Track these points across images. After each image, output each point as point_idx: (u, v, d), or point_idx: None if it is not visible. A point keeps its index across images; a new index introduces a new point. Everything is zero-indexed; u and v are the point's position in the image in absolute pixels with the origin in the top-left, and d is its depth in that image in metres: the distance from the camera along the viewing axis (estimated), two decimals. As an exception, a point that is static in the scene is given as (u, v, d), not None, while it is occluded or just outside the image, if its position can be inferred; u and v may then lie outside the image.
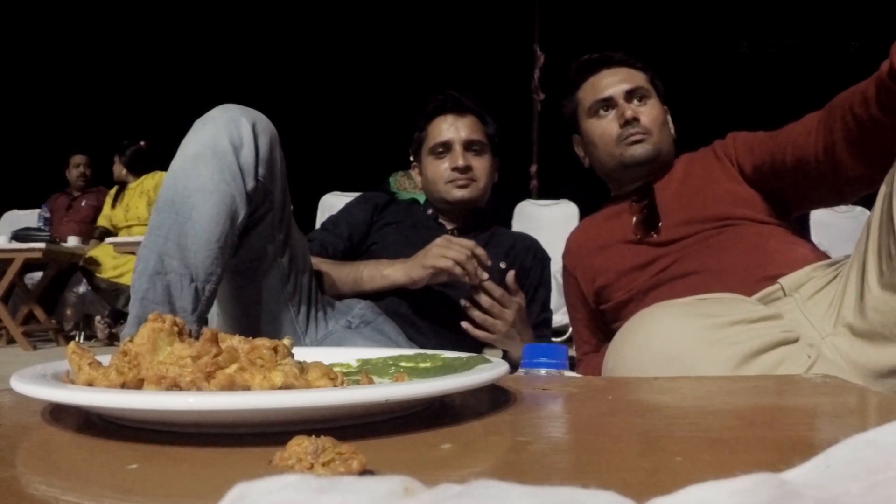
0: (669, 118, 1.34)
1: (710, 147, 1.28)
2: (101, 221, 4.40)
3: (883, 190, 0.90)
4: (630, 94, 1.29)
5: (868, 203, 0.98)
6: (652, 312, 0.91)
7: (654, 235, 1.21)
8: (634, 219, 1.26)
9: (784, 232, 1.14)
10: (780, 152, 1.11)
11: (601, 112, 1.30)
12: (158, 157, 4.26)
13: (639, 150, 1.26)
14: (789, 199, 1.16)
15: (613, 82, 1.30)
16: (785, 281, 1.04)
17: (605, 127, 1.30)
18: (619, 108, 1.28)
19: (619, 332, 0.92)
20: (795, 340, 0.87)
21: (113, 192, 4.43)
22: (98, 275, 3.92)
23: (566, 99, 1.39)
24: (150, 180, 4.24)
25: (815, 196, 1.14)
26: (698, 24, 5.66)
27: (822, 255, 1.11)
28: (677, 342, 0.83)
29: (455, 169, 1.42)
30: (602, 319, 1.31)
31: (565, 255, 1.40)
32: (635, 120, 1.26)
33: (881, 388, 0.83)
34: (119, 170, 4.33)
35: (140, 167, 4.29)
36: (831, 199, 1.14)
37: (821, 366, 0.84)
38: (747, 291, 1.03)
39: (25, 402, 0.47)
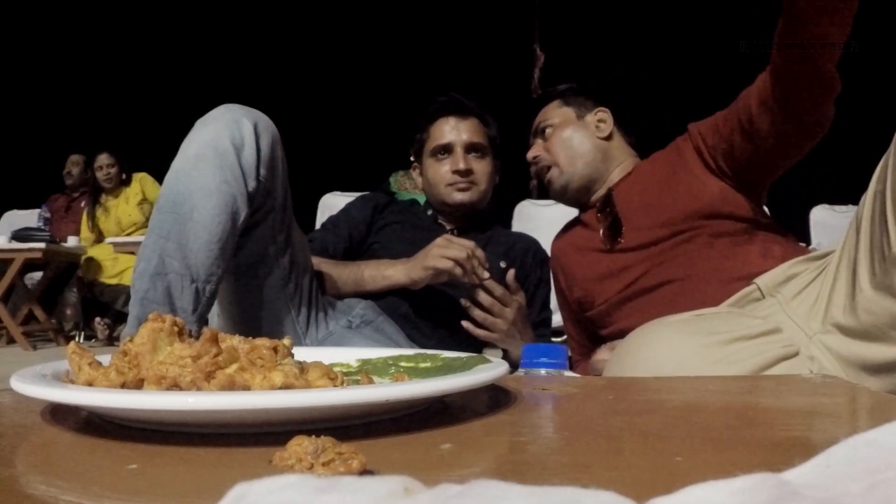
0: (602, 119, 1.34)
1: (673, 144, 1.26)
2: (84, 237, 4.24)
3: (873, 188, 0.87)
4: (536, 135, 1.38)
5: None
6: (651, 330, 0.90)
7: (621, 241, 1.21)
8: (601, 230, 1.26)
9: (754, 229, 1.12)
10: (746, 114, 1.07)
11: None
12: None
13: (551, 189, 1.36)
14: (756, 170, 1.12)
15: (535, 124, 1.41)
16: (761, 281, 1.02)
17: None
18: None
19: (618, 349, 0.92)
20: (795, 354, 0.87)
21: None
22: (99, 279, 3.91)
23: None
24: (134, 185, 4.25)
25: (774, 155, 1.09)
26: (698, 24, 5.66)
27: (800, 250, 1.09)
28: (679, 362, 0.82)
29: (456, 172, 1.42)
30: (589, 322, 1.31)
31: (551, 259, 1.43)
32: (535, 158, 1.35)
33: (874, 383, 0.83)
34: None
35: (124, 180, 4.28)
36: (784, 154, 1.09)
37: None
38: (721, 295, 1.02)
39: (25, 402, 0.47)
